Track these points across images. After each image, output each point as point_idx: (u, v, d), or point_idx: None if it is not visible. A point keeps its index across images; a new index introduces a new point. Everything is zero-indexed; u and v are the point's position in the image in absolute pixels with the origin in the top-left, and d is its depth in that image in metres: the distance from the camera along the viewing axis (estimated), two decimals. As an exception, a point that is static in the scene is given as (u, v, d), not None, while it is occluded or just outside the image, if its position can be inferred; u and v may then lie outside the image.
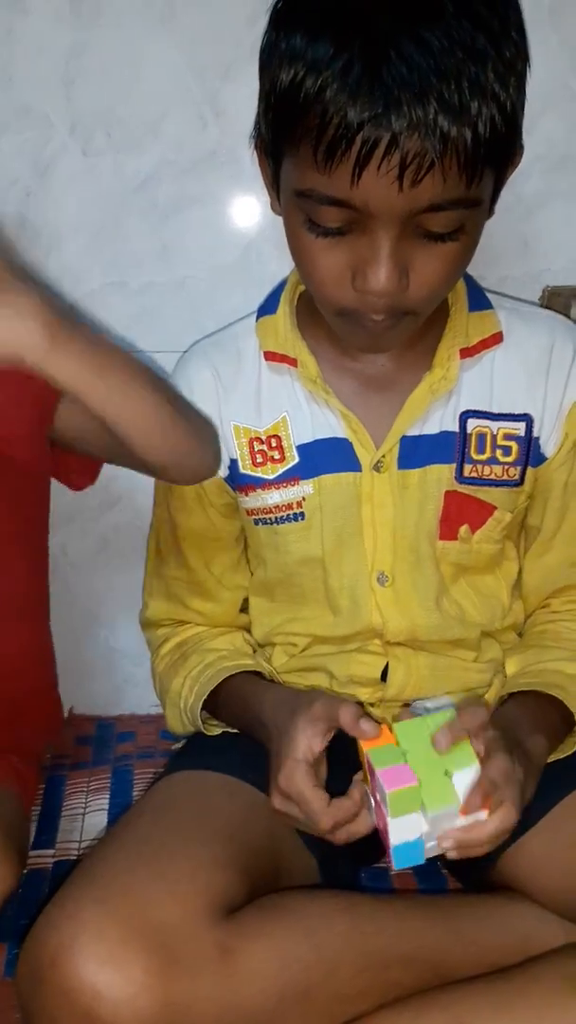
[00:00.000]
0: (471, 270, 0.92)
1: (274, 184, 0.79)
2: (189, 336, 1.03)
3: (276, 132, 0.74)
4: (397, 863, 0.71)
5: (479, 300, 0.91)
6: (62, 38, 1.02)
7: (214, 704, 0.89)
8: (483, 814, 0.71)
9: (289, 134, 0.71)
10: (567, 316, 1.08)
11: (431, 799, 0.70)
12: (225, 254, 1.09)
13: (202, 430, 0.88)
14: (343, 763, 0.77)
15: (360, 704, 0.86)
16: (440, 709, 0.90)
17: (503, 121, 0.69)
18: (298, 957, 0.69)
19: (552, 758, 0.82)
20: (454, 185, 0.69)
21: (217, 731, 0.90)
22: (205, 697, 0.88)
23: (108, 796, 1.02)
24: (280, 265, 1.09)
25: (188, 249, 1.09)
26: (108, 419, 0.77)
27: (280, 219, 1.06)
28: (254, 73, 1.02)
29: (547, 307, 1.11)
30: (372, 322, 0.77)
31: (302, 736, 0.76)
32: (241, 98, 1.04)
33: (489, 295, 0.93)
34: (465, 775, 0.71)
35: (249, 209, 1.08)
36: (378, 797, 0.72)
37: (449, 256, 0.74)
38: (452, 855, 0.72)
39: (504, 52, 0.69)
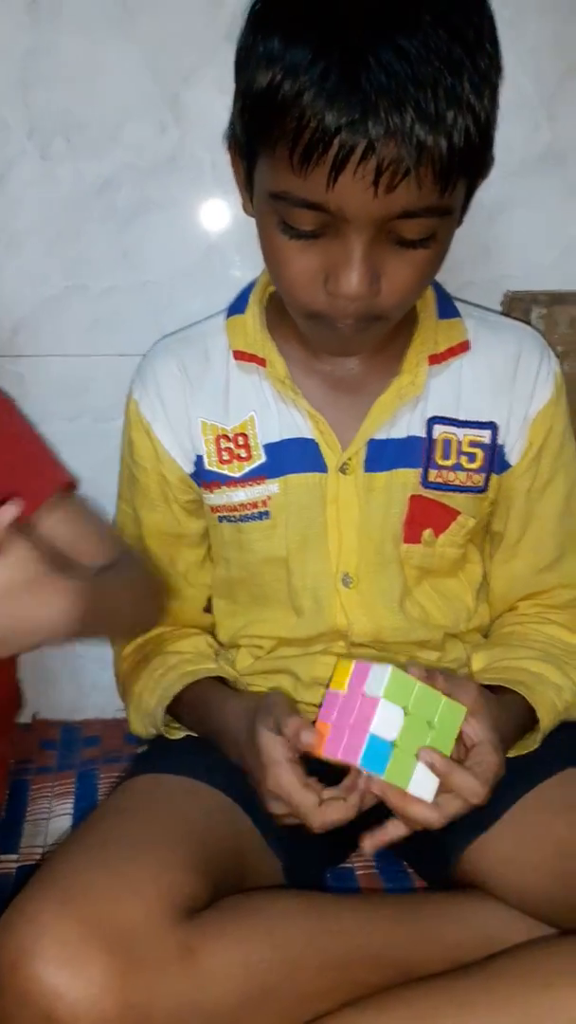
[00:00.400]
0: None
1: (247, 185, 0.79)
2: (151, 340, 1.02)
3: (251, 133, 0.74)
4: (365, 758, 0.71)
5: (447, 308, 0.92)
6: (19, 41, 1.02)
7: (177, 708, 0.89)
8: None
9: (265, 136, 0.72)
10: (528, 321, 1.10)
11: (392, 766, 0.71)
12: (186, 258, 1.10)
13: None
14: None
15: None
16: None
17: (477, 132, 0.70)
18: (260, 957, 0.69)
19: (513, 754, 0.83)
20: (428, 193, 0.70)
21: (179, 734, 0.90)
22: (168, 702, 0.88)
23: (73, 801, 1.01)
24: (242, 269, 1.10)
25: (149, 253, 1.09)
26: (91, 633, 0.81)
27: (242, 223, 1.07)
28: (214, 78, 1.04)
29: (508, 312, 1.12)
30: (342, 326, 0.77)
31: (274, 746, 0.76)
32: (201, 103, 1.05)
33: (457, 303, 0.94)
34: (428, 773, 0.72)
35: (210, 213, 1.09)
36: (364, 694, 0.72)
37: (420, 263, 0.75)
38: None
39: (479, 63, 0.70)
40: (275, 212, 0.74)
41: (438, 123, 0.67)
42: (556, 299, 1.12)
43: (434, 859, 0.83)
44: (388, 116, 0.66)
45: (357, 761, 0.71)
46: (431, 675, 0.75)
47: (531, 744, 0.83)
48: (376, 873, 0.90)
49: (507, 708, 0.82)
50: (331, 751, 0.73)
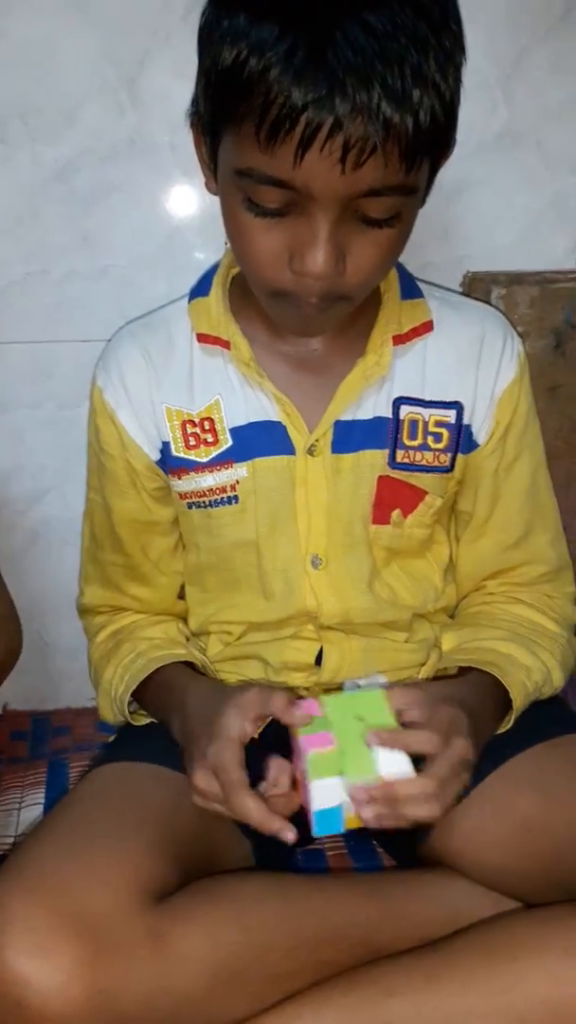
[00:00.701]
0: None
1: (211, 163, 0.78)
2: (113, 325, 1.01)
3: (216, 110, 0.73)
4: (318, 829, 0.71)
5: (410, 289, 0.92)
6: (-27, 25, 1.00)
7: (143, 694, 0.89)
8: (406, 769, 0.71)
9: (231, 113, 0.71)
10: (487, 301, 1.10)
11: (351, 768, 0.70)
12: (148, 242, 1.09)
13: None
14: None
15: (291, 691, 0.86)
16: (371, 684, 0.92)
17: (443, 111, 0.70)
18: (229, 939, 0.70)
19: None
20: (394, 171, 0.70)
21: (144, 721, 0.90)
22: (135, 687, 0.88)
23: (44, 790, 1.02)
24: (205, 252, 1.09)
25: (110, 237, 1.08)
26: None
27: (205, 205, 1.08)
28: (172, 59, 1.03)
29: (468, 293, 1.13)
30: (306, 305, 0.77)
31: (235, 719, 0.76)
32: (159, 85, 1.04)
33: (419, 284, 0.94)
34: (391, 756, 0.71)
35: (171, 196, 1.08)
36: (301, 767, 0.72)
37: (385, 242, 0.75)
38: (371, 823, 0.71)
39: (444, 42, 0.70)
40: (240, 189, 0.73)
41: (404, 101, 0.67)
42: (515, 279, 1.13)
43: (402, 838, 0.84)
44: (355, 93, 0.66)
45: (313, 832, 0.71)
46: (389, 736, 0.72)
47: (504, 725, 0.84)
48: (346, 853, 0.91)
49: (480, 689, 0.82)
50: (305, 804, 0.73)
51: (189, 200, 1.08)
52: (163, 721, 0.87)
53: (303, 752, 0.70)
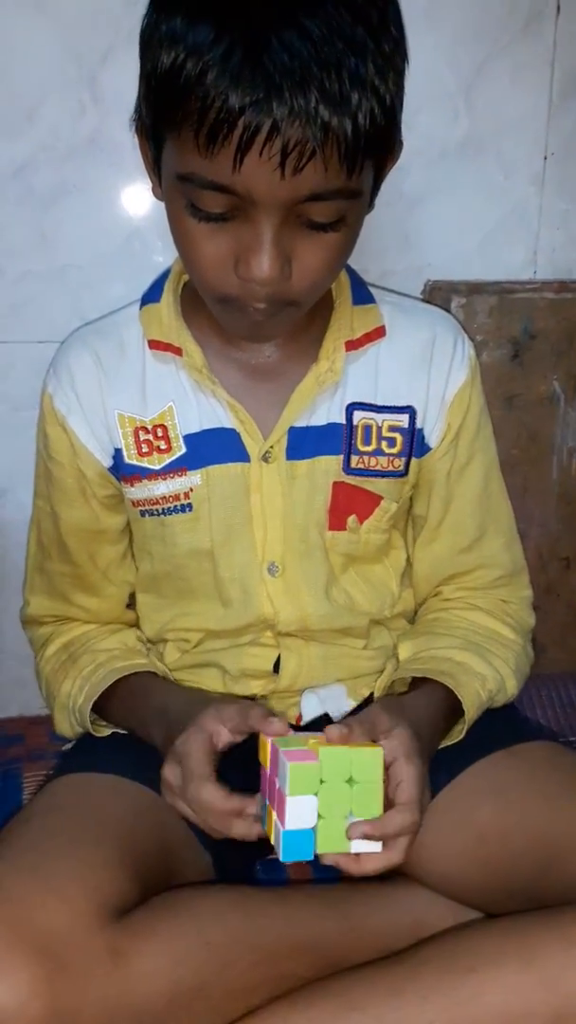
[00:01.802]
0: (355, 264, 0.93)
1: (155, 168, 0.78)
2: (70, 326, 1.00)
3: (157, 115, 0.73)
4: (285, 854, 0.70)
5: (362, 294, 0.92)
6: None
7: (106, 704, 0.88)
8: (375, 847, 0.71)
9: (170, 117, 0.70)
10: (448, 310, 1.11)
11: (324, 838, 0.70)
12: (107, 242, 1.07)
13: None
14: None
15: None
16: (331, 693, 0.91)
17: (382, 114, 0.70)
18: (190, 955, 0.69)
19: (441, 745, 0.84)
20: (335, 175, 0.70)
21: (106, 732, 0.89)
22: (96, 697, 0.87)
23: (-5, 800, 1.00)
24: (165, 254, 1.08)
25: (68, 237, 1.06)
26: None
27: (162, 208, 1.05)
28: (133, 58, 1.00)
29: (428, 301, 1.13)
30: (253, 311, 0.77)
31: (212, 718, 0.75)
32: (120, 83, 1.02)
33: (372, 289, 0.94)
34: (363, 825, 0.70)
35: (131, 197, 1.06)
36: (277, 785, 0.71)
37: (331, 246, 0.75)
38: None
39: (383, 46, 0.70)
40: (183, 195, 0.73)
41: (342, 104, 0.67)
42: (475, 288, 1.13)
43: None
44: (292, 96, 0.65)
45: (280, 857, 0.70)
46: (350, 729, 0.72)
47: (456, 735, 0.85)
48: (306, 863, 0.90)
49: (433, 702, 0.82)
50: (268, 832, 0.72)
51: (149, 201, 1.06)
52: (136, 728, 0.86)
53: (284, 764, 0.69)
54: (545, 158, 1.14)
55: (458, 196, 1.13)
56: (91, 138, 1.04)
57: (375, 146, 0.72)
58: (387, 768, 0.73)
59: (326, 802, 0.69)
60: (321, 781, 0.69)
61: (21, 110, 1.02)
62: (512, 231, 1.16)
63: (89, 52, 1.01)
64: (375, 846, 0.71)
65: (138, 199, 1.07)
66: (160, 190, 0.78)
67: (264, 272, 0.72)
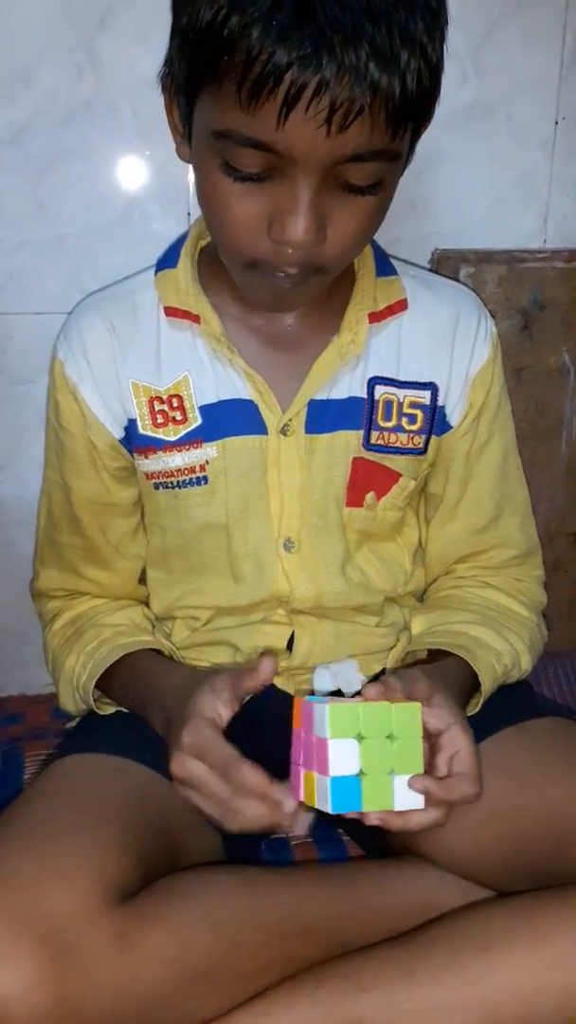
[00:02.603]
0: None
1: (184, 127, 0.75)
2: (69, 297, 0.98)
3: (193, 69, 0.70)
4: (335, 804, 0.67)
5: (385, 266, 0.90)
6: None
7: (109, 682, 0.86)
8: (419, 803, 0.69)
9: (209, 72, 0.68)
10: (456, 279, 1.09)
11: (368, 795, 0.68)
12: (105, 211, 1.05)
13: None
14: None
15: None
16: (343, 667, 0.90)
17: (429, 75, 0.68)
18: (197, 938, 0.68)
19: None
20: (379, 135, 0.68)
21: (110, 710, 0.87)
22: (99, 675, 0.85)
23: (-3, 779, 0.98)
24: (164, 223, 1.06)
25: (65, 206, 1.04)
26: None
27: (164, 174, 1.04)
28: (134, 20, 0.99)
29: (436, 270, 1.11)
30: (282, 276, 0.74)
31: (208, 700, 0.73)
32: (118, 46, 1.00)
33: (394, 262, 0.91)
34: (406, 782, 0.69)
35: (130, 164, 1.04)
36: (315, 736, 0.68)
37: (366, 211, 0.73)
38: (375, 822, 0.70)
39: (431, 2, 0.68)
40: (218, 153, 0.70)
41: (392, 62, 0.65)
42: (484, 257, 1.11)
43: (370, 827, 0.83)
44: (343, 52, 0.63)
45: (330, 809, 0.67)
46: (385, 687, 0.71)
47: (471, 709, 0.83)
48: (311, 843, 0.90)
49: (450, 673, 0.81)
50: (309, 799, 0.70)
51: (149, 169, 1.04)
52: (136, 710, 0.84)
53: (322, 708, 0.67)
54: (556, 123, 1.11)
55: (466, 162, 1.11)
56: (88, 102, 1.01)
57: (419, 108, 0.70)
58: (438, 735, 0.72)
59: (367, 758, 0.68)
60: (361, 737, 0.68)
61: (16, 74, 0.99)
62: (521, 198, 1.13)
63: (86, 14, 0.98)
64: (418, 801, 0.69)
65: (137, 166, 1.04)
66: (187, 149, 0.76)
67: (299, 235, 0.70)
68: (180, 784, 0.73)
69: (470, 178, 1.12)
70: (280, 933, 0.72)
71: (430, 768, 0.72)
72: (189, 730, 0.72)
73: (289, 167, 0.68)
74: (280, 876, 0.77)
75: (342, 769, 0.67)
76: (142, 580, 0.96)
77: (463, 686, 0.82)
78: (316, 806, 0.69)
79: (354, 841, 0.90)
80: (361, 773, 0.67)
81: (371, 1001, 0.67)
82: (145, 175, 1.04)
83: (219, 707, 0.73)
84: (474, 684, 0.83)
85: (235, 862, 0.81)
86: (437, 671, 0.80)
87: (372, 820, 0.69)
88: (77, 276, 1.05)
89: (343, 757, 0.67)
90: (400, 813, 0.69)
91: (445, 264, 1.10)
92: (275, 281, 0.75)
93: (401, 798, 0.69)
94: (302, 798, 0.70)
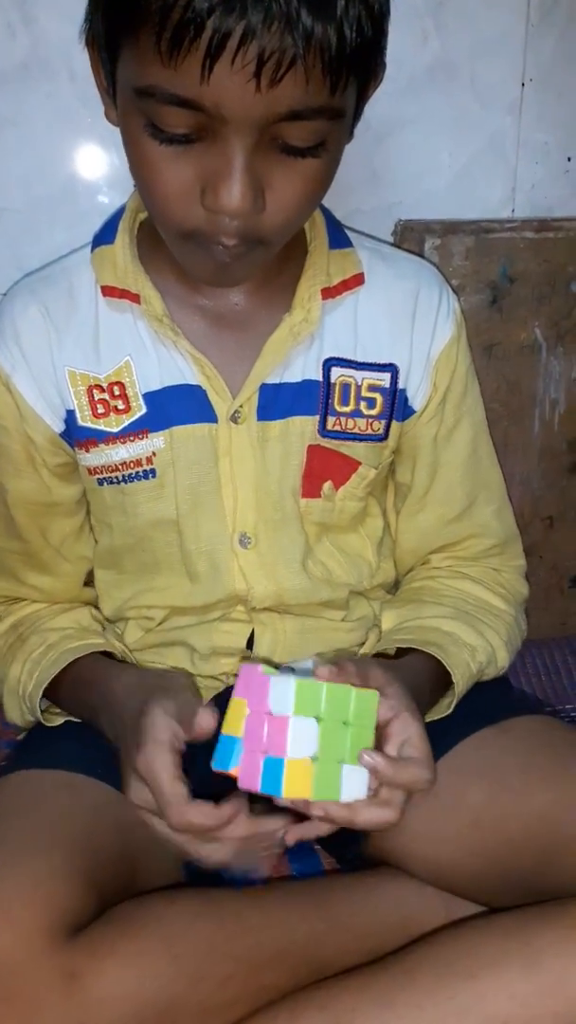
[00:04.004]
0: None
1: (110, 86, 0.69)
2: (7, 276, 0.92)
3: (110, 20, 0.64)
4: (265, 784, 0.62)
5: (339, 237, 0.84)
6: None
7: (56, 690, 0.80)
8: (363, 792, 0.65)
9: (126, 22, 0.62)
10: (420, 252, 1.03)
11: (319, 788, 0.63)
12: (46, 183, 0.98)
13: None
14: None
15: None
16: (307, 671, 0.84)
17: (371, 24, 0.63)
18: (156, 972, 0.62)
19: (427, 720, 0.77)
20: (317, 90, 0.62)
21: (59, 721, 0.81)
22: (46, 684, 0.79)
23: None
24: (111, 196, 1.00)
25: (2, 178, 0.97)
26: None
27: (111, 142, 0.97)
28: (68, -26, 0.91)
29: (399, 244, 1.05)
30: (220, 249, 0.69)
31: (162, 721, 0.68)
32: (53, 2, 0.92)
33: (348, 233, 0.86)
34: (356, 771, 0.64)
35: (72, 132, 0.97)
36: (266, 714, 0.63)
37: (309, 175, 0.67)
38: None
39: None
40: (142, 113, 0.64)
41: (328, 8, 0.59)
42: (450, 228, 1.06)
43: (343, 838, 0.77)
44: None
45: (281, 794, 0.62)
46: (341, 668, 0.67)
47: (444, 709, 0.78)
48: (283, 855, 0.84)
49: (418, 673, 0.76)
50: (248, 783, 0.64)
51: (93, 136, 0.97)
52: (89, 721, 0.78)
53: (287, 683, 0.62)
54: (523, 84, 1.06)
55: (429, 127, 1.05)
56: (23, 64, 0.94)
57: (361, 61, 0.64)
58: (386, 724, 0.68)
59: (322, 743, 0.63)
60: (320, 719, 0.63)
61: (-58, 32, 0.91)
62: (488, 166, 1.08)
63: (17, -34, 0.91)
64: (361, 785, 0.64)
65: (79, 134, 0.97)
66: (115, 112, 0.70)
67: (234, 201, 0.64)
68: (140, 812, 0.69)
69: (433, 144, 1.06)
70: (249, 961, 0.67)
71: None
72: (142, 756, 0.66)
73: (220, 127, 0.63)
74: (247, 897, 0.71)
75: (300, 751, 0.62)
76: (89, 583, 0.90)
77: (433, 684, 0.77)
78: (248, 786, 0.63)
79: (327, 853, 0.84)
80: (314, 757, 0.62)
81: (350, 1035, 0.62)
82: (88, 143, 0.98)
83: (175, 729, 0.68)
84: (446, 683, 0.78)
85: (198, 882, 0.75)
86: (399, 666, 0.75)
87: (315, 811, 0.64)
88: (18, 254, 0.99)
89: (302, 738, 0.62)
90: (347, 806, 0.64)
91: (409, 236, 1.05)
92: (214, 253, 0.69)
93: (348, 788, 0.64)
94: (241, 785, 0.64)
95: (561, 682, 1.19)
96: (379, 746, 0.67)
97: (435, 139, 1.06)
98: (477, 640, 0.81)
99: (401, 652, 0.81)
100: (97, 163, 0.98)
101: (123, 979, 0.61)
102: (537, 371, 1.13)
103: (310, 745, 0.62)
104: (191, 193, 0.66)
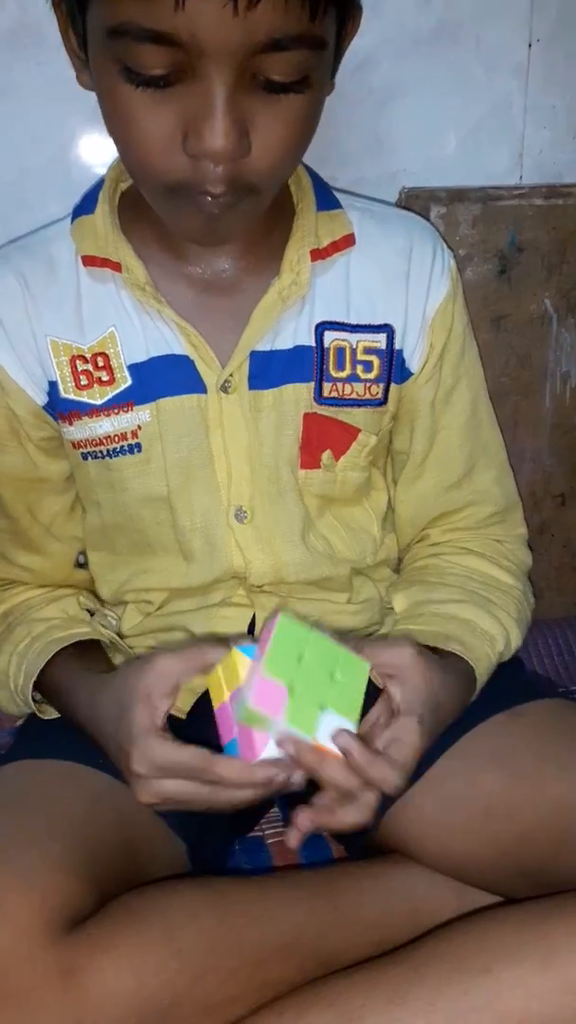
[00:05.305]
0: (322, 172, 0.83)
1: (81, 45, 0.66)
2: (-1, 249, 0.88)
3: None
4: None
5: (327, 199, 0.81)
6: None
7: (45, 685, 0.78)
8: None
9: None
10: (427, 220, 1.00)
11: (292, 712, 0.61)
12: (36, 154, 0.96)
13: None
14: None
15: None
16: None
17: None
18: (158, 968, 0.60)
19: None
20: (295, 16, 0.59)
21: (54, 714, 0.79)
22: (36, 676, 0.77)
23: None
24: (104, 167, 0.94)
25: (-8, 149, 0.94)
26: None
27: (99, 112, 0.93)
28: None
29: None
30: (209, 201, 0.66)
31: (142, 708, 0.65)
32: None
33: (338, 194, 0.83)
34: (336, 720, 0.62)
35: (63, 101, 0.93)
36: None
37: (293, 114, 0.64)
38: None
39: None
40: (116, 59, 0.62)
41: None
42: (456, 196, 1.02)
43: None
44: None
45: (251, 702, 0.61)
46: (357, 643, 0.66)
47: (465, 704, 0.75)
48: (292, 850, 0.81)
49: (452, 680, 0.73)
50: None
51: (87, 106, 0.93)
52: (71, 723, 0.76)
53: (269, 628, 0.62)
54: (530, 46, 1.02)
55: (433, 92, 1.02)
56: (12, 30, 0.91)
57: None
58: (389, 717, 0.67)
59: (302, 678, 0.62)
60: (300, 659, 0.62)
61: None
62: (495, 131, 1.04)
63: None
64: (335, 747, 0.63)
65: (71, 104, 0.93)
66: (87, 74, 0.67)
67: (218, 142, 0.61)
68: (156, 807, 0.66)
69: (438, 110, 1.02)
70: (255, 955, 0.65)
71: (369, 737, 0.66)
72: (139, 756, 0.64)
73: (198, 62, 0.60)
74: (253, 888, 0.69)
75: (264, 709, 0.60)
76: (83, 566, 0.87)
77: (461, 682, 0.74)
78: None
79: (336, 841, 0.82)
80: (291, 689, 0.61)
81: (359, 1033, 0.59)
82: (81, 114, 0.94)
83: (156, 713, 0.65)
84: (467, 672, 0.75)
85: (203, 872, 0.73)
86: (436, 662, 0.71)
87: (303, 823, 0.64)
88: (9, 228, 0.95)
89: (269, 693, 0.61)
90: (331, 811, 0.64)
91: (414, 204, 1.01)
92: (202, 206, 0.66)
93: (323, 733, 0.62)
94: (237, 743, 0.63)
95: (574, 662, 1.16)
96: (374, 730, 0.66)
97: (440, 104, 1.02)
98: (493, 626, 0.78)
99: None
100: (89, 133, 0.95)
101: (122, 974, 0.59)
102: (547, 343, 1.09)
103: (275, 706, 0.61)
104: (173, 141, 0.63)
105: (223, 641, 0.66)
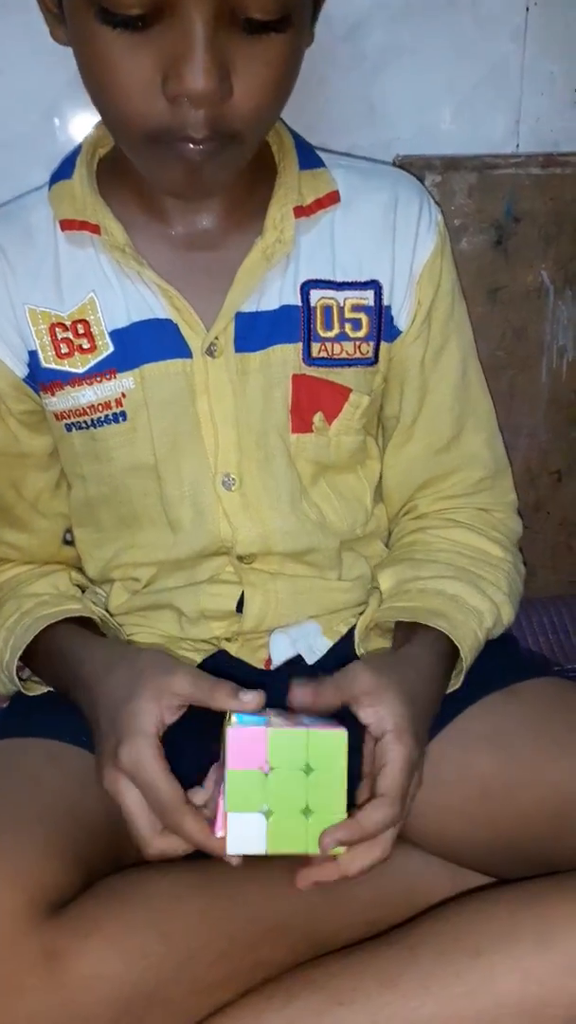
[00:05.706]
0: (313, 139, 0.81)
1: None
2: (-18, 219, 0.86)
3: None
4: (231, 843, 0.60)
5: (310, 158, 0.80)
6: None
7: (34, 659, 0.77)
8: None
9: None
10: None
11: (278, 836, 0.60)
12: (20, 121, 0.93)
13: None
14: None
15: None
16: (302, 634, 0.80)
17: None
18: (144, 951, 0.59)
19: None
20: None
21: (41, 690, 0.78)
22: (22, 651, 0.75)
23: None
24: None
25: (-26, 114, 0.91)
26: None
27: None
28: None
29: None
30: (191, 147, 0.64)
31: (150, 708, 0.63)
32: None
33: (321, 154, 0.81)
34: (322, 820, 0.60)
35: (49, 66, 0.91)
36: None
37: (276, 55, 0.63)
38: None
39: None
40: (91, 1, 0.60)
41: None
42: (452, 164, 1.00)
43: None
44: None
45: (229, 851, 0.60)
46: (318, 690, 0.64)
47: (453, 684, 0.74)
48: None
49: (426, 653, 0.72)
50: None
51: (70, 70, 0.90)
52: (64, 694, 0.74)
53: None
54: (527, 9, 0.99)
55: (428, 57, 0.99)
56: (-6, -8, 0.88)
57: None
58: (373, 744, 0.65)
59: (277, 793, 0.59)
60: (271, 768, 0.59)
61: None
62: (491, 97, 1.02)
63: None
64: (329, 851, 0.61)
65: (56, 68, 0.91)
66: (61, 29, 0.66)
67: (199, 82, 0.60)
68: (107, 794, 0.65)
69: (433, 75, 1.00)
70: (244, 937, 0.64)
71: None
72: (127, 751, 0.62)
73: (176, 2, 0.59)
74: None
75: (241, 845, 0.59)
76: (71, 543, 0.86)
77: (442, 664, 0.73)
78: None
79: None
80: (268, 812, 0.59)
81: (350, 1017, 0.59)
82: (65, 79, 0.91)
83: (163, 714, 0.64)
84: (454, 653, 0.74)
85: (190, 854, 0.72)
86: (394, 659, 0.71)
87: (302, 883, 0.62)
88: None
89: (245, 832, 0.59)
90: (335, 863, 0.62)
91: (408, 172, 0.98)
92: (184, 154, 0.65)
93: (313, 841, 0.60)
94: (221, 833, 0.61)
95: (569, 640, 1.15)
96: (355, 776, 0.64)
97: (434, 70, 0.99)
98: (482, 602, 0.77)
99: (402, 622, 0.77)
100: (75, 98, 0.92)
101: (107, 958, 0.58)
102: (544, 316, 1.07)
103: (254, 843, 0.59)
104: (152, 85, 0.62)
105: (233, 691, 0.63)
